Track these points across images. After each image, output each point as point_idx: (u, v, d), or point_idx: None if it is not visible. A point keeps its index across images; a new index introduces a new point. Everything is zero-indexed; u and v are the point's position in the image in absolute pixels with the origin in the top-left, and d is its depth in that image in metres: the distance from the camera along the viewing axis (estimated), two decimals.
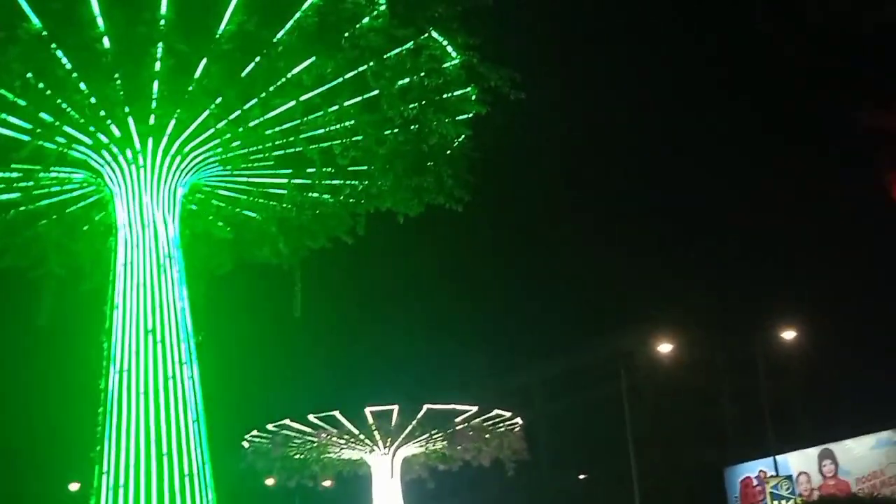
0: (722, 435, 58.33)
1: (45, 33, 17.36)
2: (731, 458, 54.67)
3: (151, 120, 19.49)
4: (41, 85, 18.23)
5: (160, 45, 17.96)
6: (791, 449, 48.33)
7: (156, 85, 18.79)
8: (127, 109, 19.25)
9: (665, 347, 48.44)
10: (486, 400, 40.93)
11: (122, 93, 18.77)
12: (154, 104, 19.09)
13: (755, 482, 52.69)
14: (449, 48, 19.63)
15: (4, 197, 21.41)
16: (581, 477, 62.50)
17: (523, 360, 65.72)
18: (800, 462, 48.79)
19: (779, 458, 46.84)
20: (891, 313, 47.76)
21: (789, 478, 44.91)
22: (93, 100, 18.90)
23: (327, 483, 43.46)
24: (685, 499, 54.58)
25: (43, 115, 18.92)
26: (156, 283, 19.63)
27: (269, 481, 42.02)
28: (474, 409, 36.43)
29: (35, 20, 17.26)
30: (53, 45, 17.59)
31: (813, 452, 48.90)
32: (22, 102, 18.54)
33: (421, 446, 38.62)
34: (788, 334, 46.28)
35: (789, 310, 47.86)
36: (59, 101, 18.76)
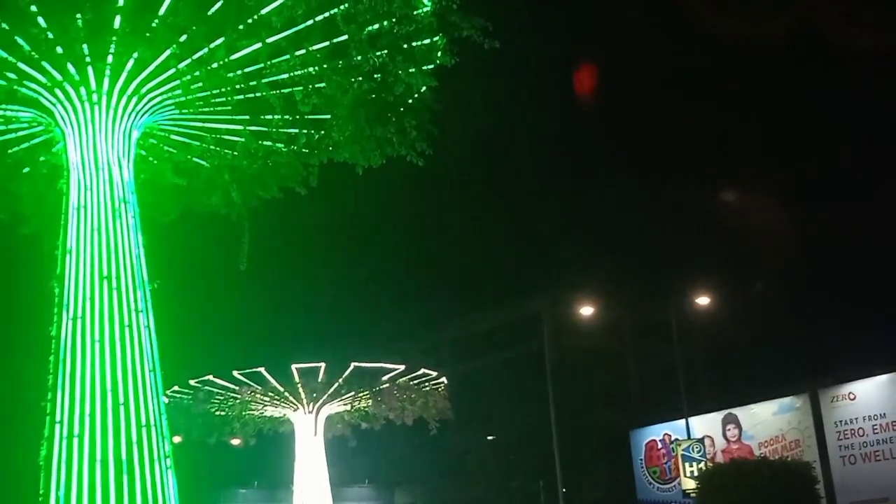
0: (628, 398, 59.54)
1: None
2: (637, 422, 55.81)
3: (110, 58, 18.68)
4: None
5: None
6: (695, 413, 49.44)
7: (118, 20, 18.02)
8: (85, 47, 18.41)
9: (576, 310, 49.05)
10: (392, 359, 40.78)
11: (81, 28, 17.94)
12: (115, 41, 18.29)
13: (659, 445, 53.90)
14: None
15: None
16: (489, 438, 63.13)
17: (437, 319, 65.80)
18: (704, 426, 50.08)
19: (682, 421, 47.89)
20: (796, 280, 49.19)
21: (700, 440, 46.07)
22: (50, 35, 18.04)
23: (236, 441, 43.01)
24: (591, 460, 55.55)
25: None
26: (110, 228, 18.86)
27: (176, 439, 41.36)
28: (401, 367, 36.40)
29: None
30: None
31: (717, 417, 50.27)
32: None
33: (345, 404, 38.45)
34: (698, 300, 47.21)
35: (700, 276, 48.87)
36: (14, 35, 17.86)
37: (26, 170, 22.03)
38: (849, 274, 45.55)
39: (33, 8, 17.48)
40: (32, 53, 18.36)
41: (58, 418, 17.73)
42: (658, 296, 49.68)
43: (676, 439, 49.48)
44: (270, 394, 36.67)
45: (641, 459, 54.92)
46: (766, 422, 48.28)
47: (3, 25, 17.65)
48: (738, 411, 49.62)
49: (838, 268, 45.69)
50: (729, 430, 50.10)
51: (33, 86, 19.03)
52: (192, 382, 35.71)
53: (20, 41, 18.15)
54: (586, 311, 48.31)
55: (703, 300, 47.08)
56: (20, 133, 21.01)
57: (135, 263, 19.01)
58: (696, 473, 41.79)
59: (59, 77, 18.91)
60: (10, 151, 21.45)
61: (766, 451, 46.81)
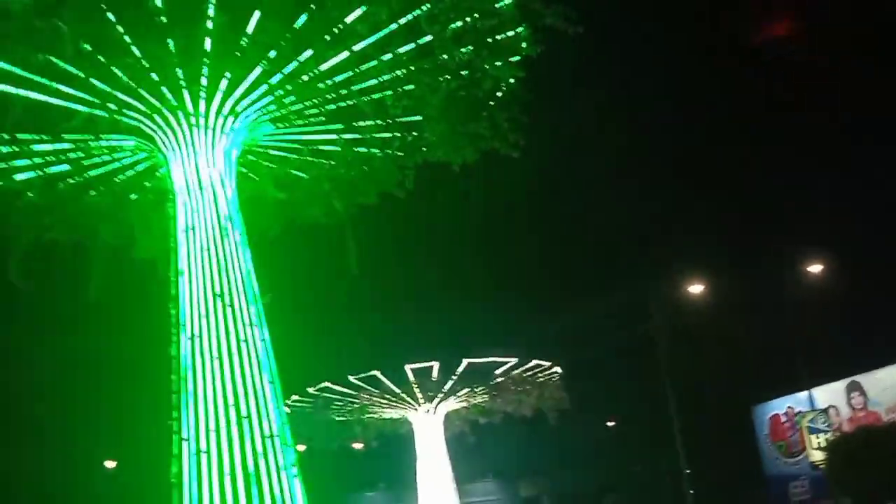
0: (747, 374, 58.44)
1: None
2: (759, 397, 54.91)
3: (204, 80, 19.11)
4: (93, 50, 17.90)
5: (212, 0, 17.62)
6: (817, 384, 48.43)
7: (208, 43, 18.42)
8: (180, 71, 18.87)
9: (686, 288, 48.41)
10: (504, 352, 40.73)
11: (174, 54, 18.40)
12: (207, 63, 18.71)
13: (783, 419, 53.01)
14: None
15: (54, 169, 21.03)
16: (609, 424, 62.75)
17: (547, 309, 65.47)
18: (827, 396, 49.04)
19: (806, 394, 46.99)
20: None
21: (825, 411, 45.15)
22: (145, 63, 18.53)
23: (358, 445, 43.49)
24: (715, 438, 54.79)
25: (95, 82, 18.58)
26: (219, 246, 19.30)
27: (300, 448, 42.04)
28: (514, 360, 36.39)
29: None
30: (105, 6, 17.22)
31: (840, 386, 49.16)
32: (74, 70, 18.20)
33: (462, 401, 38.59)
34: (812, 268, 46.24)
35: (813, 244, 47.76)
36: (111, 66, 18.39)
37: (133, 196, 22.62)
38: None
39: (127, 38, 17.95)
40: (130, 83, 18.86)
41: (185, 435, 18.17)
42: (770, 266, 48.72)
43: (800, 411, 48.61)
44: (387, 396, 37.02)
45: (766, 434, 54.14)
46: (893, 387, 47.00)
47: (100, 58, 18.14)
48: (862, 378, 48.45)
49: None
50: (854, 398, 48.97)
51: (133, 114, 19.55)
52: (310, 390, 36.23)
53: (117, 72, 18.65)
54: (696, 289, 47.69)
55: (817, 267, 46.11)
56: (125, 161, 21.59)
57: (245, 279, 19.39)
58: (823, 444, 41.02)
59: (157, 103, 19.40)
60: (116, 180, 22.03)
61: (895, 417, 45.59)
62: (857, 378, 48.55)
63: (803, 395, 47.80)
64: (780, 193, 53.90)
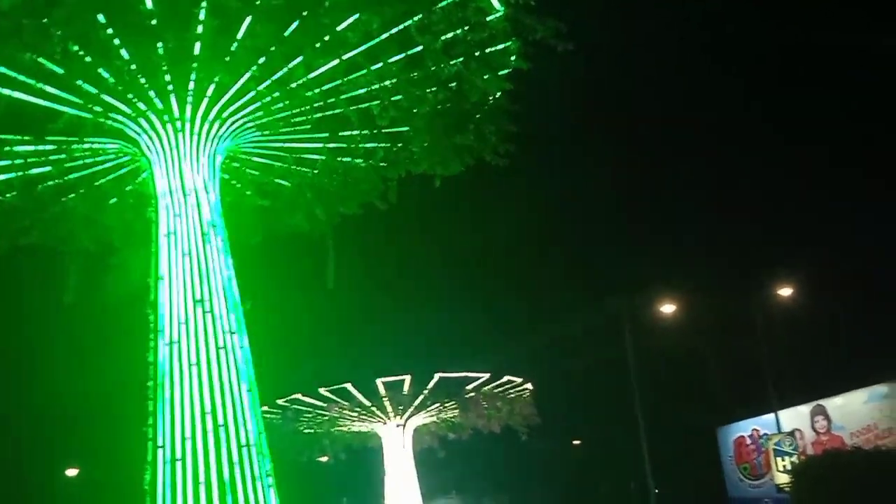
0: (713, 395, 58.74)
1: None
2: (724, 419, 55.13)
3: (192, 85, 18.95)
4: (81, 51, 17.71)
5: (204, 4, 17.46)
6: (782, 407, 48.66)
7: (197, 47, 18.26)
8: (167, 75, 18.69)
9: (656, 309, 48.62)
10: (476, 368, 40.69)
11: (163, 57, 18.23)
12: (195, 67, 18.55)
13: (748, 441, 53.22)
14: (494, 0, 19.29)
15: (35, 171, 20.74)
16: (575, 443, 62.82)
17: (519, 326, 65.61)
18: (792, 419, 49.22)
19: (771, 416, 47.21)
20: (877, 270, 48.18)
21: (791, 434, 45.34)
22: (133, 66, 18.34)
23: (325, 458, 43.24)
24: (680, 460, 54.98)
25: (81, 84, 18.37)
26: (201, 252, 19.12)
27: None
28: (486, 375, 36.33)
29: None
30: (95, 7, 17.03)
31: (805, 409, 49.37)
32: (60, 71, 17.97)
33: (432, 416, 38.48)
34: (782, 291, 46.55)
35: (781, 269, 48.08)
36: (98, 67, 18.19)
37: (113, 200, 22.38)
38: None
39: (116, 41, 17.77)
40: (116, 85, 18.66)
41: (160, 443, 17.93)
42: (739, 289, 48.99)
43: (766, 434, 48.83)
44: (357, 409, 36.83)
45: (731, 456, 54.30)
46: (857, 411, 47.28)
47: (87, 59, 17.95)
48: (827, 402, 48.72)
49: None
50: (818, 421, 49.20)
51: (118, 117, 19.35)
52: (280, 402, 35.97)
53: (104, 73, 18.46)
54: (667, 309, 47.87)
55: (784, 291, 46.41)
56: (106, 164, 21.35)
57: (226, 286, 19.22)
58: (788, 467, 41.20)
59: (143, 107, 19.21)
60: (96, 183, 21.79)
61: (859, 441, 45.83)
62: (822, 402, 48.83)
63: (769, 417, 48.01)
64: (752, 216, 54.30)
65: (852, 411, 47.42)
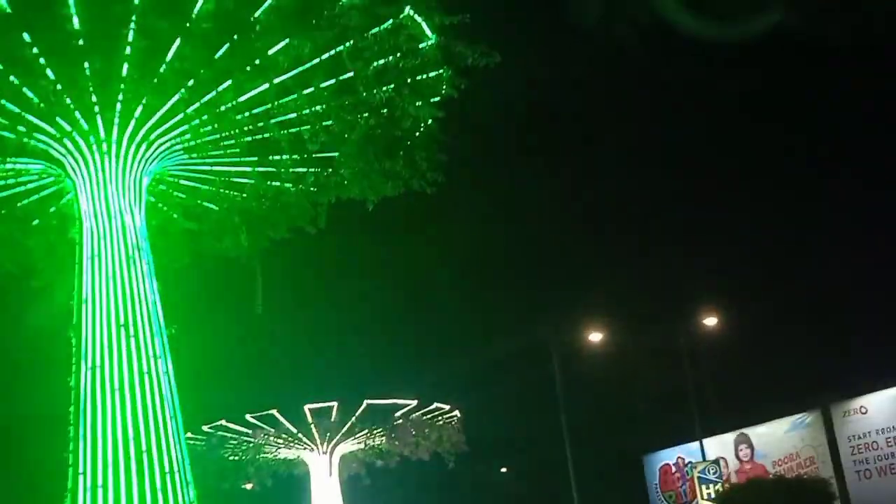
0: (640, 423, 59.13)
1: (10, 12, 16.58)
2: (650, 446, 55.51)
3: (119, 106, 18.72)
4: (4, 70, 17.43)
5: (132, 25, 17.29)
6: (707, 435, 49.15)
7: (125, 68, 18.06)
8: (94, 96, 18.45)
9: (584, 337, 48.91)
10: (405, 395, 40.56)
11: (90, 78, 17.99)
12: (123, 89, 18.34)
13: (673, 469, 53.64)
14: (425, 27, 19.37)
15: None
16: (503, 470, 62.82)
17: (445, 352, 65.45)
18: (716, 448, 49.71)
19: (696, 444, 47.66)
20: (800, 299, 49.01)
21: (716, 462, 45.77)
22: (59, 86, 18.08)
23: (250, 486, 42.73)
24: (606, 488, 55.15)
25: (5, 103, 18.07)
26: (125, 276, 18.83)
27: None
28: (414, 402, 36.27)
29: None
30: (20, 26, 16.78)
31: (729, 438, 49.97)
32: None
33: (360, 443, 38.28)
34: (705, 320, 47.11)
35: (707, 299, 48.64)
36: (23, 87, 17.90)
37: (36, 221, 21.99)
38: (852, 287, 45.25)
39: (42, 60, 17.51)
40: (41, 105, 18.37)
41: (80, 469, 17.58)
42: (665, 319, 49.50)
43: (690, 462, 49.25)
44: (284, 436, 36.50)
45: (656, 484, 54.63)
46: (779, 440, 48.00)
47: (12, 78, 17.66)
48: (750, 431, 49.39)
49: (845, 280, 45.39)
50: (741, 450, 49.84)
51: (43, 138, 19.05)
52: (204, 428, 35.50)
53: (29, 93, 18.17)
54: (594, 337, 48.18)
55: (710, 321, 46.98)
56: (29, 185, 20.98)
57: (151, 310, 18.94)
58: (713, 495, 41.57)
59: (68, 128, 18.95)
60: (19, 204, 21.40)
61: (781, 470, 46.47)
62: (745, 430, 49.48)
63: (693, 445, 48.44)
64: (680, 245, 54.92)
65: (775, 440, 48.13)
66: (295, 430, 35.83)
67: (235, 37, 17.97)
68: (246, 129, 19.95)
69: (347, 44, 18.60)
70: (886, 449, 42.00)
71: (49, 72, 17.83)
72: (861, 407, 43.37)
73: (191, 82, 18.65)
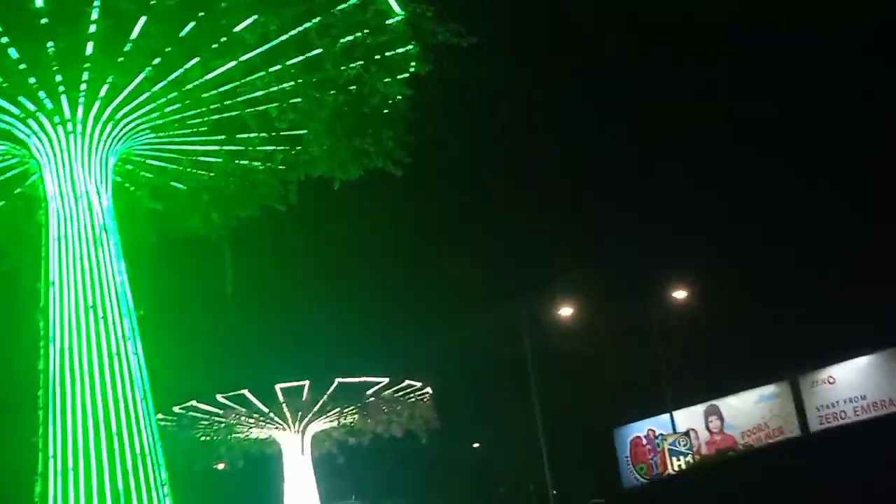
0: (611, 397, 59.44)
1: None
2: (621, 419, 55.84)
3: (84, 86, 18.47)
4: None
5: (97, 3, 17.03)
6: (678, 407, 49.56)
7: (90, 47, 17.80)
8: (58, 75, 18.18)
9: (554, 312, 49.08)
10: (376, 373, 40.57)
11: (54, 57, 17.72)
12: (88, 68, 18.08)
13: (644, 441, 54.03)
14: (393, 3, 19.21)
15: None
16: (475, 446, 63.01)
17: (418, 329, 65.40)
18: (687, 419, 50.22)
19: (667, 416, 48.05)
20: (768, 271, 49.37)
21: (687, 434, 46.20)
22: (22, 65, 17.81)
23: (221, 466, 42.67)
24: (578, 461, 55.49)
25: None
26: (93, 257, 18.63)
27: None
28: (385, 380, 36.26)
29: None
30: None
31: (699, 409, 50.48)
32: None
33: (332, 421, 38.26)
34: (675, 293, 47.39)
35: (677, 272, 48.89)
36: None
37: (1, 203, 21.71)
38: (823, 257, 45.58)
39: (4, 39, 17.23)
40: (4, 85, 18.10)
41: (51, 453, 17.43)
42: (635, 292, 49.73)
43: (661, 434, 49.67)
44: (255, 415, 36.41)
45: (627, 457, 55.01)
46: (748, 411, 48.55)
47: None
48: (720, 402, 49.86)
49: (812, 251, 45.74)
50: (711, 421, 50.33)
51: (6, 118, 18.78)
52: (175, 409, 35.35)
53: None
54: (565, 312, 48.36)
55: (679, 294, 47.27)
56: None
57: (119, 291, 18.76)
58: (683, 467, 41.95)
59: (32, 108, 18.67)
60: None
61: (750, 440, 47.04)
62: (715, 402, 49.95)
63: (664, 417, 48.86)
64: (649, 220, 55.08)
65: (745, 411, 48.69)
66: (266, 410, 35.77)
67: (201, 14, 17.73)
68: (213, 107, 19.72)
69: (315, 20, 18.40)
70: (854, 418, 42.55)
71: (12, 51, 17.54)
72: (829, 377, 43.94)
73: (156, 60, 18.38)
